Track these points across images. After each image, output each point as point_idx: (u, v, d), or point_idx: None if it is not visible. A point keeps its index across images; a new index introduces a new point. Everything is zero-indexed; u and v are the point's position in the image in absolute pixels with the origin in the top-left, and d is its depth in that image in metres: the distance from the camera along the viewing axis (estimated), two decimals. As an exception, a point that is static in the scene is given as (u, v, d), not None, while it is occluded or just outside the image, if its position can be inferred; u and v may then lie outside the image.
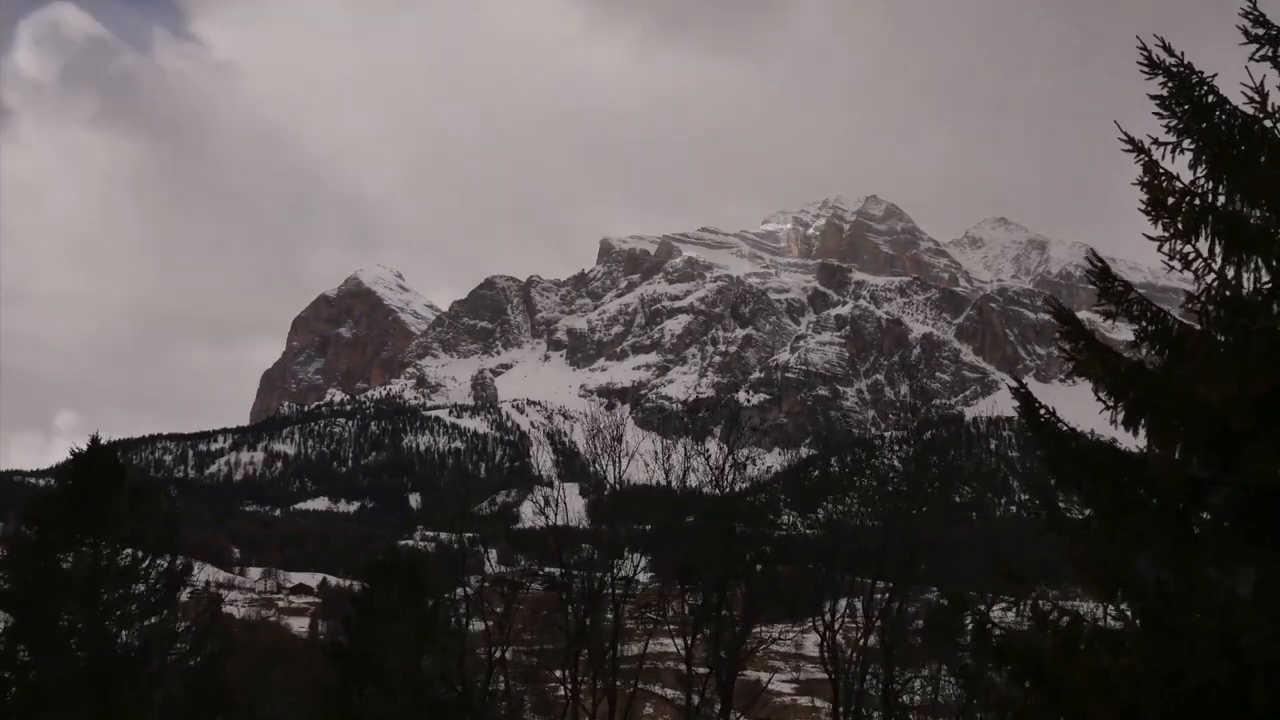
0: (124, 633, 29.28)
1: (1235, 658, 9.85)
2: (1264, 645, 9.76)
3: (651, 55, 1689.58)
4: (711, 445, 38.29)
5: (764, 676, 48.14)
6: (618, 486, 37.74)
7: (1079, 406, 13.13)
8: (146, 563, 29.38)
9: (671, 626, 39.25)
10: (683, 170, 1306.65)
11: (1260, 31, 10.80)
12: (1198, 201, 10.77)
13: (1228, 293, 10.57)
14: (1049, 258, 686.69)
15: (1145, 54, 10.99)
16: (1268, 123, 10.59)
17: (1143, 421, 11.09)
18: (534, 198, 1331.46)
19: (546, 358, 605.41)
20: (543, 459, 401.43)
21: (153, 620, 29.63)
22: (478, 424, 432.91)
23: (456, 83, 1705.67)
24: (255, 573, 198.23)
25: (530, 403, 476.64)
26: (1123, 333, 11.47)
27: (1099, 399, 11.32)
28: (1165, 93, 10.97)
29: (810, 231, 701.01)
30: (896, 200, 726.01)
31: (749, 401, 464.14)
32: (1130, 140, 11.15)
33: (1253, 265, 10.60)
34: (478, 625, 43.28)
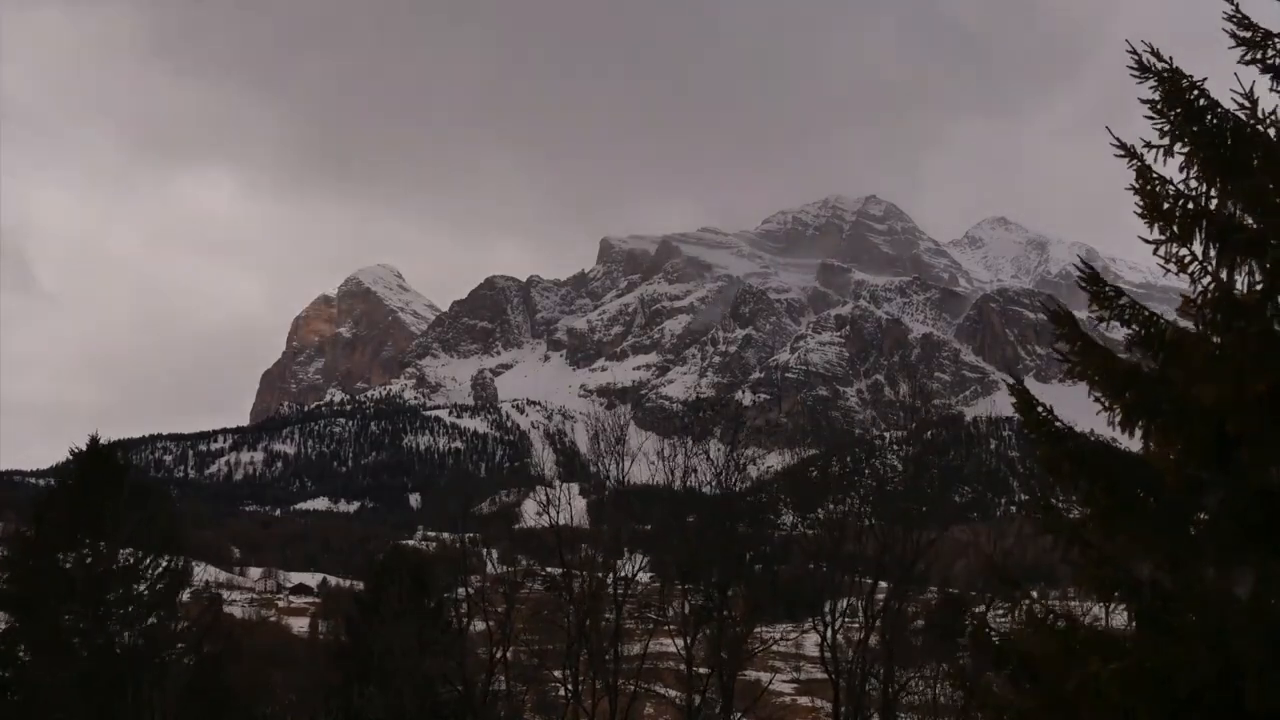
0: (125, 633, 29.31)
1: (1231, 659, 9.89)
2: (1260, 647, 9.80)
3: (654, 54, 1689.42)
4: (713, 445, 38.35)
5: (764, 677, 48.22)
6: (619, 486, 37.78)
7: (1078, 406, 13.15)
8: (147, 562, 29.40)
9: (672, 626, 39.27)
10: (683, 170, 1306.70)
11: (1246, 34, 10.83)
12: (1192, 205, 10.80)
13: (1223, 295, 10.61)
14: (1049, 258, 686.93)
15: (1135, 59, 11.03)
16: (1259, 126, 10.63)
17: (1140, 423, 11.13)
18: (534, 198, 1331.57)
19: (546, 358, 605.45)
20: (543, 459, 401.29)
21: (153, 620, 29.64)
22: (478, 424, 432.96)
23: (456, 81, 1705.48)
24: (255, 573, 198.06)
25: (530, 403, 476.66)
26: (1122, 332, 11.51)
27: (1096, 400, 11.36)
28: (1157, 97, 11.00)
29: (810, 231, 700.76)
30: (896, 200, 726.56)
31: (752, 401, 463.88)
32: (1122, 145, 11.18)
33: (1247, 268, 10.64)
34: (478, 625, 43.34)
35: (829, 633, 36.01)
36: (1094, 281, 11.23)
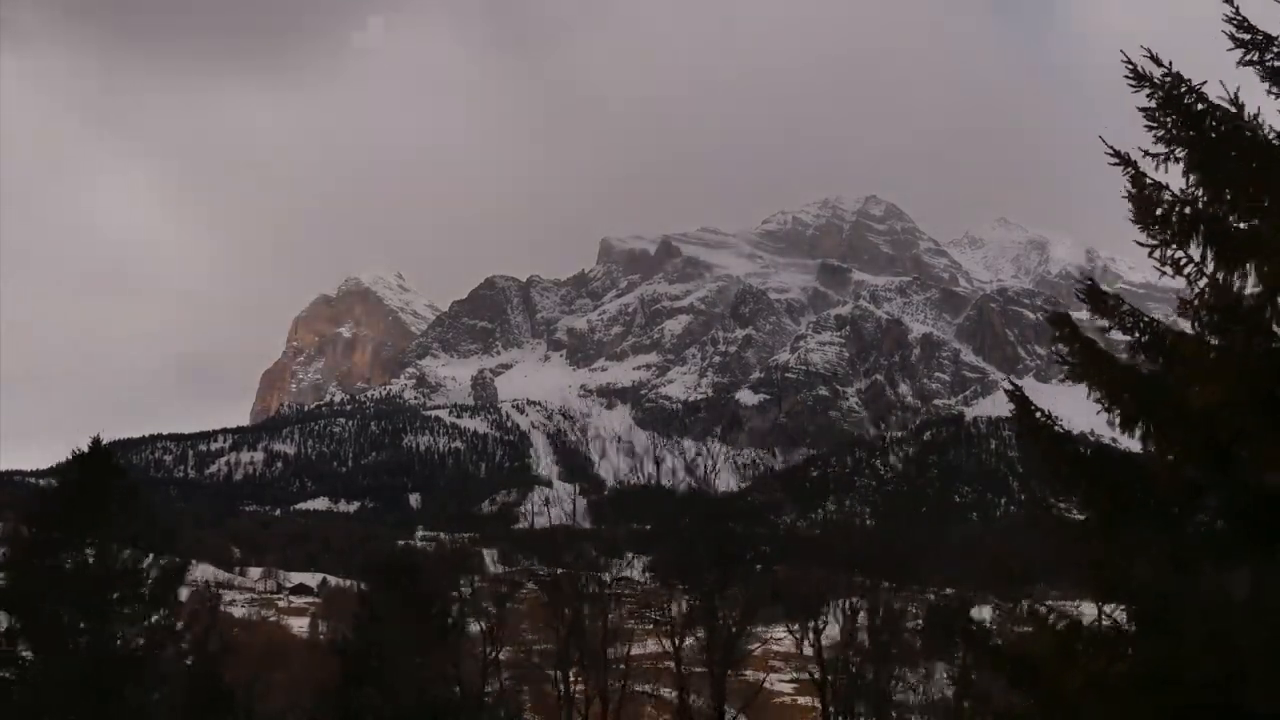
0: (125, 632, 29.32)
1: (1232, 660, 9.87)
2: (1261, 648, 9.78)
3: (653, 56, 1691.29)
4: (711, 445, 38.37)
5: (761, 676, 48.20)
6: (617, 487, 37.82)
7: (1078, 406, 13.12)
8: (146, 561, 29.43)
9: (668, 626, 39.29)
10: (683, 170, 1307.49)
11: (1245, 36, 10.80)
12: (1188, 209, 10.78)
13: (1220, 298, 10.58)
14: (1049, 258, 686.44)
15: (1131, 68, 11.00)
16: (1258, 129, 10.60)
17: (1139, 424, 11.11)
18: (534, 198, 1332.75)
19: (546, 358, 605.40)
20: (543, 459, 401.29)
21: (152, 619, 29.66)
22: (478, 424, 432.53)
23: (457, 82, 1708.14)
24: (255, 573, 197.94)
25: (530, 403, 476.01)
26: (1123, 336, 11.47)
27: (1096, 401, 11.34)
28: (1153, 104, 10.97)
29: (810, 232, 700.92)
30: (896, 200, 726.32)
31: (754, 401, 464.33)
32: (1116, 154, 11.14)
33: (1244, 270, 10.62)
34: (476, 626, 43.35)
35: (816, 636, 36.02)
36: (1094, 293, 11.24)
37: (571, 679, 37.65)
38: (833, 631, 36.95)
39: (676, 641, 36.19)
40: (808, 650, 38.57)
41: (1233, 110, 10.53)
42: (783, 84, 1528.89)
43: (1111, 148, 11.12)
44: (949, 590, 35.71)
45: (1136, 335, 11.12)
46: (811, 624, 35.82)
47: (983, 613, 13.04)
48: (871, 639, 35.37)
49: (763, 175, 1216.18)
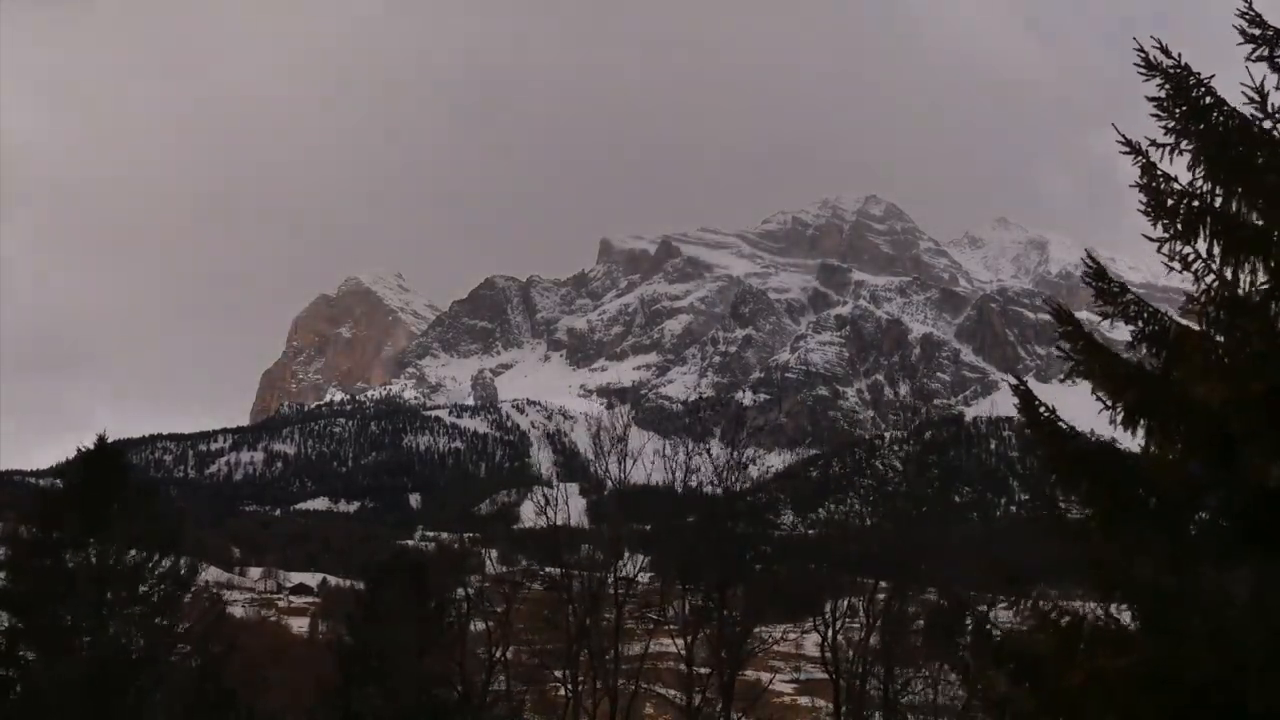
0: (127, 633, 29.28)
1: (1232, 659, 9.87)
2: (1260, 646, 9.78)
3: (654, 56, 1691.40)
4: (712, 445, 38.35)
5: (765, 676, 48.19)
6: (619, 486, 37.79)
7: (1079, 406, 13.12)
8: (151, 563, 29.37)
9: (672, 626, 39.24)
10: (683, 170, 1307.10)
11: (1257, 32, 10.80)
12: (1196, 203, 10.78)
13: (1226, 294, 10.58)
14: (1049, 258, 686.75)
15: (1142, 55, 11.01)
16: (1266, 123, 10.60)
17: (1141, 422, 11.09)
18: (534, 197, 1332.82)
19: (546, 358, 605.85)
20: (543, 459, 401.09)
21: (157, 621, 29.62)
22: (478, 424, 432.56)
23: (457, 81, 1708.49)
24: (255, 573, 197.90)
25: (530, 403, 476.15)
26: (1122, 332, 11.47)
27: (1098, 399, 11.33)
28: (1163, 94, 10.97)
29: (810, 231, 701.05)
30: (896, 200, 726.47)
31: (753, 401, 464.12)
32: (1128, 142, 11.15)
33: (1250, 266, 10.62)
34: (478, 625, 43.35)
35: (829, 633, 36.00)
36: (1099, 277, 11.20)
37: (579, 679, 37.60)
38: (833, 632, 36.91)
39: (690, 641, 36.15)
40: (811, 650, 38.54)
41: (1257, 99, 10.51)
42: (783, 83, 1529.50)
43: (1123, 135, 11.14)
44: (952, 590, 35.67)
45: (1140, 325, 11.10)
46: (822, 623, 35.77)
47: (988, 611, 13.03)
48: (878, 640, 35.33)
49: (763, 175, 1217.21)
